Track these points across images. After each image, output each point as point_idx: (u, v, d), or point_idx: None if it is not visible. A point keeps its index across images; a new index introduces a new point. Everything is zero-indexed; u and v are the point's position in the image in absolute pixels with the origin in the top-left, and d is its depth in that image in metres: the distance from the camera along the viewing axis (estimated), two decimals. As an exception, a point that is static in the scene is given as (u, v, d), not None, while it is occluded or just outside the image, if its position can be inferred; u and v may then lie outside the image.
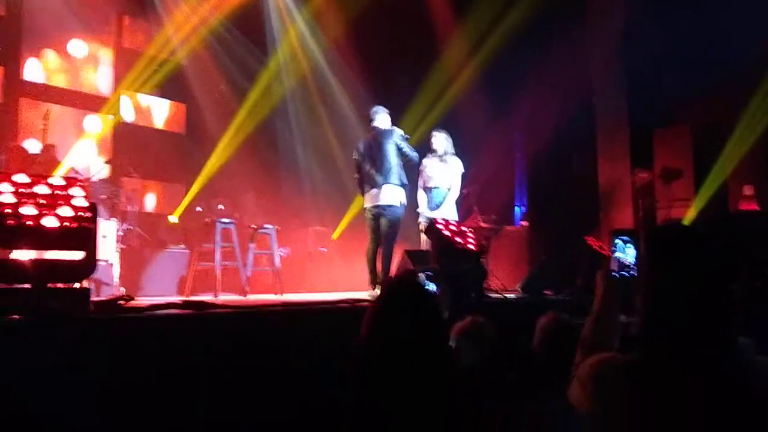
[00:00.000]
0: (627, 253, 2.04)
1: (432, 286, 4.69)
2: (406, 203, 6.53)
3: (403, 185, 6.45)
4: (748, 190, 8.44)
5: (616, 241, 2.05)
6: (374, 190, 6.45)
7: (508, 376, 2.04)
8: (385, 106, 6.85)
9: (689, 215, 8.66)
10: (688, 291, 1.60)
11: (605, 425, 1.68)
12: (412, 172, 6.99)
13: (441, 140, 7.24)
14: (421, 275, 4.78)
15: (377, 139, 6.55)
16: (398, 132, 6.55)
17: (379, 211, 6.43)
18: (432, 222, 6.09)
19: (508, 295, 6.11)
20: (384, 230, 6.41)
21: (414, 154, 6.58)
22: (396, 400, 1.88)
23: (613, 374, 1.69)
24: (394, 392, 1.89)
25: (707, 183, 8.67)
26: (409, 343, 1.94)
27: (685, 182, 9.06)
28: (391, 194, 6.39)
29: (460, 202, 7.65)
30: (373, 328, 2.02)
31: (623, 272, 2.03)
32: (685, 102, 8.96)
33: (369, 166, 6.51)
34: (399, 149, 6.46)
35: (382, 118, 6.71)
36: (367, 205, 6.57)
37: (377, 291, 5.98)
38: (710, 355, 1.57)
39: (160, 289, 7.36)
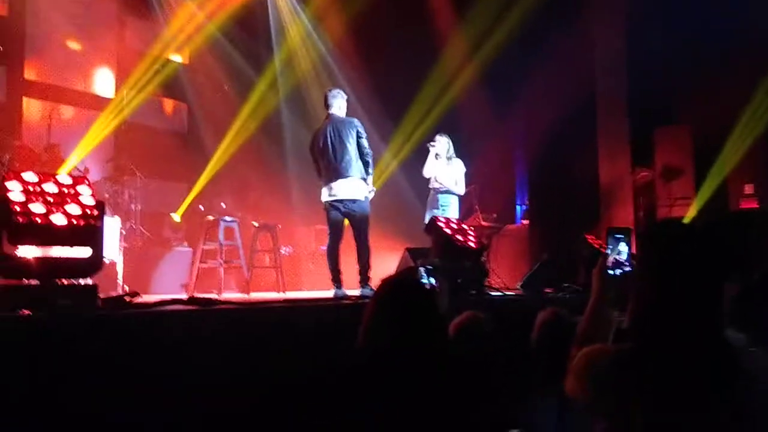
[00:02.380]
0: (620, 250, 2.10)
1: (431, 280, 4.76)
2: (369, 197, 6.19)
3: (363, 178, 6.10)
4: (748, 189, 8.50)
5: (610, 238, 2.10)
6: (333, 183, 6.06)
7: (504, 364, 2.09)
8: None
9: (690, 214, 8.71)
10: (680, 286, 1.66)
11: (599, 412, 1.74)
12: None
13: (444, 143, 7.70)
14: (421, 269, 4.85)
15: (336, 127, 6.11)
16: (357, 123, 6.18)
17: (340, 206, 6.07)
18: (432, 220, 6.12)
19: (508, 293, 6.16)
20: (355, 228, 6.11)
21: (369, 151, 6.15)
22: (397, 394, 1.93)
23: (605, 363, 1.75)
24: (395, 388, 1.95)
25: (707, 182, 8.71)
26: (407, 339, 1.99)
27: (686, 181, 9.12)
28: (354, 187, 6.05)
29: (461, 201, 7.79)
30: (372, 325, 2.07)
31: (617, 269, 2.09)
32: (685, 100, 9.00)
33: (327, 158, 6.08)
34: (358, 141, 6.08)
35: (339, 104, 6.29)
36: (326, 199, 6.16)
37: (344, 291, 5.95)
38: (699, 346, 1.63)
39: (164, 288, 7.43)
